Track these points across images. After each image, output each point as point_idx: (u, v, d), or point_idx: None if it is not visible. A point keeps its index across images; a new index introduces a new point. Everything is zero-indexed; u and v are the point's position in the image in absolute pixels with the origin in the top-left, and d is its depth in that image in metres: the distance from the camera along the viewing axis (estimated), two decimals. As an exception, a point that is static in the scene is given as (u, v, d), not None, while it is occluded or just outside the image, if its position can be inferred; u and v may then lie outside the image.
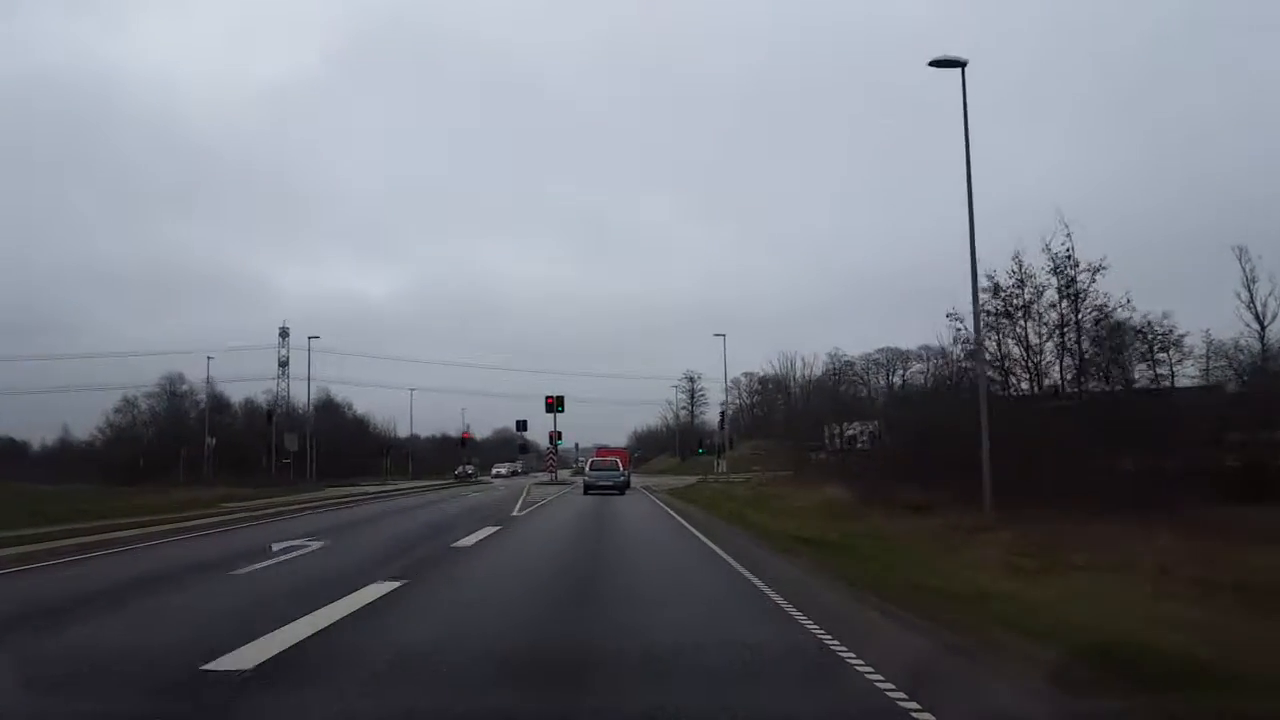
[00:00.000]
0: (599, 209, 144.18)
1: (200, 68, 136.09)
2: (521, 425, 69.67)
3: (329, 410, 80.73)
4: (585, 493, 36.92)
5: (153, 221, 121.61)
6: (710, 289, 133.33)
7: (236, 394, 78.21)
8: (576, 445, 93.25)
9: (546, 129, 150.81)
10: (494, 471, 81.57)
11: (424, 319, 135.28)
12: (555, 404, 54.06)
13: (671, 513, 24.85)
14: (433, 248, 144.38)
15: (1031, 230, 38.88)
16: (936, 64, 17.98)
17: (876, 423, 51.73)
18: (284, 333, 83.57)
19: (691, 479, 56.26)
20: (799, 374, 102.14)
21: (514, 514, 23.82)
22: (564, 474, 68.44)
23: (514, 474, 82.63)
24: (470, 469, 74.33)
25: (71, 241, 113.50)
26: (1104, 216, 78.11)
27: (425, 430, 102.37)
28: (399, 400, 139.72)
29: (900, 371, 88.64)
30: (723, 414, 63.20)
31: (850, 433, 61.19)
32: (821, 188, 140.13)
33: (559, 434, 57.29)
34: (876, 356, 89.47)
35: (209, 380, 67.55)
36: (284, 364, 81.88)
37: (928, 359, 33.54)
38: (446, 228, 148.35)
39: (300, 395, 79.49)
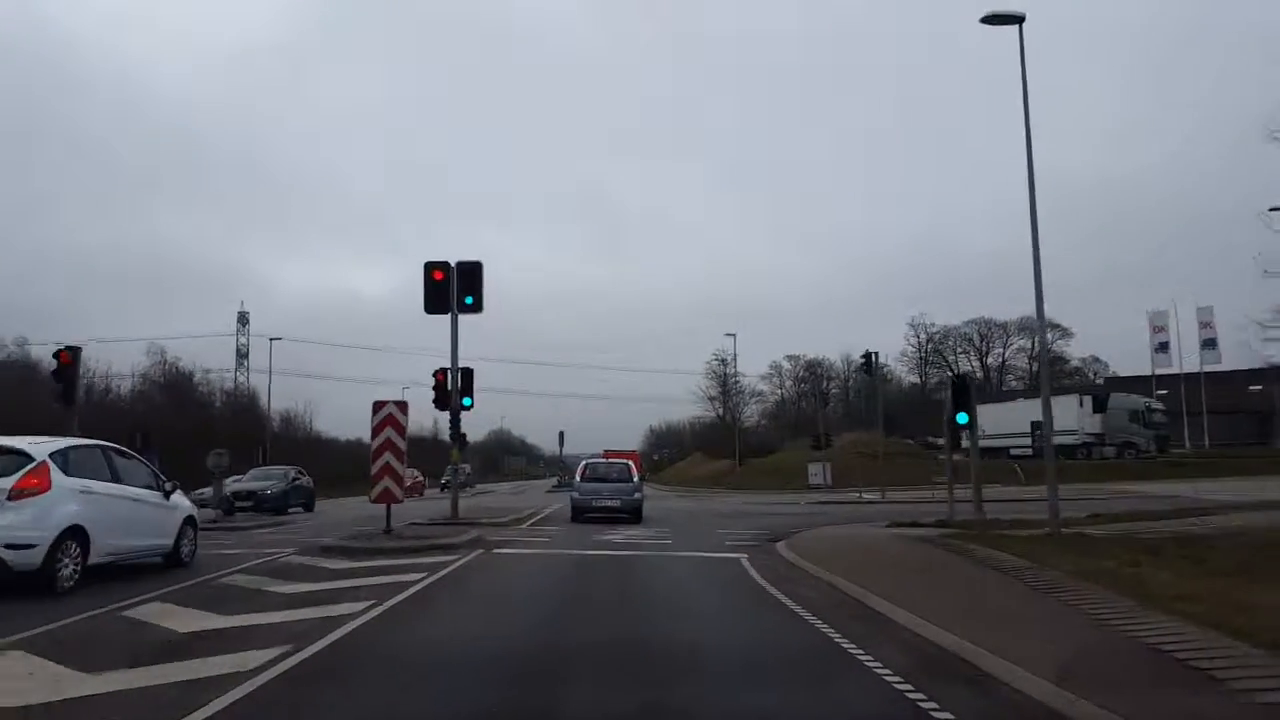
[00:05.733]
0: (607, 195, 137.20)
1: (163, 34, 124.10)
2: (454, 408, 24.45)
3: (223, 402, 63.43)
4: (574, 519, 22.81)
5: (114, 202, 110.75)
6: (724, 282, 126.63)
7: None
8: (561, 436, 77.94)
9: (546, 110, 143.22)
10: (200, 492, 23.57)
11: (408, 309, 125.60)
12: (446, 278, 20.55)
13: None
14: (424, 235, 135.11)
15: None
16: (991, 20, 15.47)
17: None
18: (243, 319, 71.89)
19: (840, 504, 30.90)
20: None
21: None
22: (520, 498, 43.22)
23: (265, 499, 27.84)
24: None
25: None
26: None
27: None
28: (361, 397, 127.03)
29: (1000, 348, 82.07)
30: (867, 361, 37.07)
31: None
32: (846, 175, 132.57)
33: (463, 376, 21.59)
34: (965, 330, 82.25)
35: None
36: (243, 355, 70.95)
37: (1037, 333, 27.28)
38: (440, 215, 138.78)
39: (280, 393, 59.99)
